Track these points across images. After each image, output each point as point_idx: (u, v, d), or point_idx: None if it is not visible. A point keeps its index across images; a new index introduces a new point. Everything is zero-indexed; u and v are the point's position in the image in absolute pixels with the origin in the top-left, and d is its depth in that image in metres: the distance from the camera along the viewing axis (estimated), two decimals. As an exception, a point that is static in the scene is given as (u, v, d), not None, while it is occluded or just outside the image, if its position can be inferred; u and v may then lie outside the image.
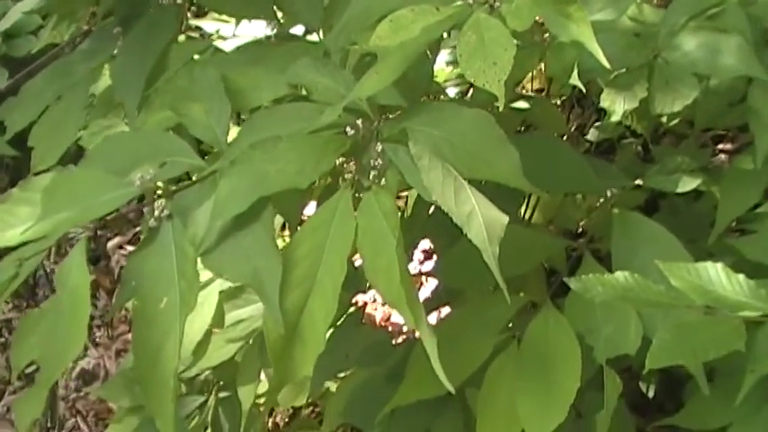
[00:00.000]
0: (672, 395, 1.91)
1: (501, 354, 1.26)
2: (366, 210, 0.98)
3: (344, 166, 1.03)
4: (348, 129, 1.04)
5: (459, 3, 1.07)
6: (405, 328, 2.47)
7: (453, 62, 2.07)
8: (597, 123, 2.07)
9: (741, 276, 0.97)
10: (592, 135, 2.07)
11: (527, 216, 1.83)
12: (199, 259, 1.01)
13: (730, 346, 0.95)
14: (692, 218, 1.73)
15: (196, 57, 1.39)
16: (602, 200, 1.80)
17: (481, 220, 0.93)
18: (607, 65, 0.93)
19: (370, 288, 2.20)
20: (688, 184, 1.34)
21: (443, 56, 1.98)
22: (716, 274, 0.97)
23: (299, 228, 1.01)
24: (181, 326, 0.99)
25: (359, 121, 1.05)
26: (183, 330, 0.99)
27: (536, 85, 2.08)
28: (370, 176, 1.01)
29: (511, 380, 1.22)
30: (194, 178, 1.08)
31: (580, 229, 2.01)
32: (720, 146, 2.10)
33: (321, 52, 1.25)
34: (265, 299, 0.96)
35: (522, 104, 1.64)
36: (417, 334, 1.97)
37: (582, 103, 2.12)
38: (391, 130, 1.05)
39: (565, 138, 1.90)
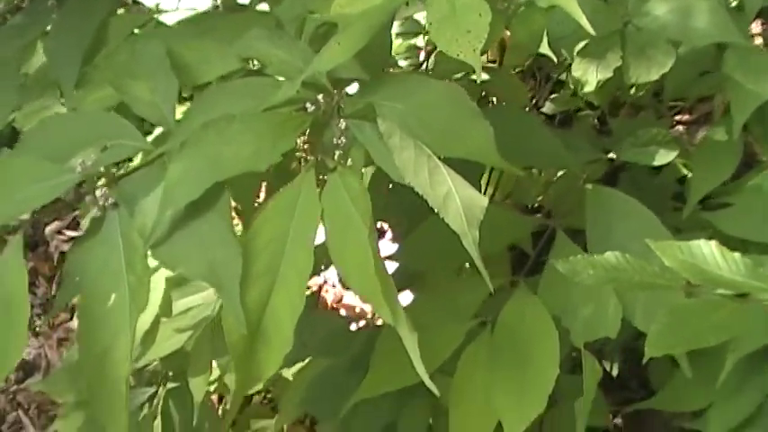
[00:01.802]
0: (635, 373, 1.87)
1: (473, 341, 1.19)
2: (332, 193, 0.90)
3: (306, 146, 0.95)
4: (308, 105, 0.96)
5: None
6: (359, 311, 2.40)
7: (403, 34, 1.99)
8: (553, 96, 2.00)
9: (737, 254, 0.91)
10: (547, 108, 2.00)
11: (488, 192, 1.76)
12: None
13: (730, 332, 0.88)
14: (654, 191, 1.67)
15: (136, 31, 1.29)
16: (559, 174, 1.74)
17: (459, 203, 0.85)
18: (590, 29, 0.86)
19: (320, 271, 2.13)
20: (664, 156, 1.27)
21: (393, 28, 1.90)
22: (710, 252, 0.91)
23: (256, 214, 0.92)
24: (132, 326, 0.90)
25: (320, 97, 0.96)
26: (134, 331, 0.90)
27: (489, 57, 2.01)
28: (335, 156, 0.93)
29: (485, 369, 1.15)
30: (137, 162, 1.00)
31: (536, 205, 1.96)
32: (678, 117, 2.05)
33: (273, 23, 1.16)
34: (224, 294, 0.87)
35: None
36: (380, 321, 1.92)
37: (536, 75, 2.05)
38: (355, 105, 0.97)
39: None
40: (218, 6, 1.21)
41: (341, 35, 0.94)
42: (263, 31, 1.07)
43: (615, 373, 1.79)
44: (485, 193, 1.72)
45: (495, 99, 1.77)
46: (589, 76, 1.20)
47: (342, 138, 0.96)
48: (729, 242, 1.27)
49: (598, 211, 1.19)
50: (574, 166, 1.24)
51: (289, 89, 0.95)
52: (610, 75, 1.18)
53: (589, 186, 1.22)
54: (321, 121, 0.97)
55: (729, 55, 1.24)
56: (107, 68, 1.11)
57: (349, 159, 0.94)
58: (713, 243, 0.92)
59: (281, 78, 1.03)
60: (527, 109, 1.82)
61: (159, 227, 0.90)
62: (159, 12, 1.51)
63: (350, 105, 0.98)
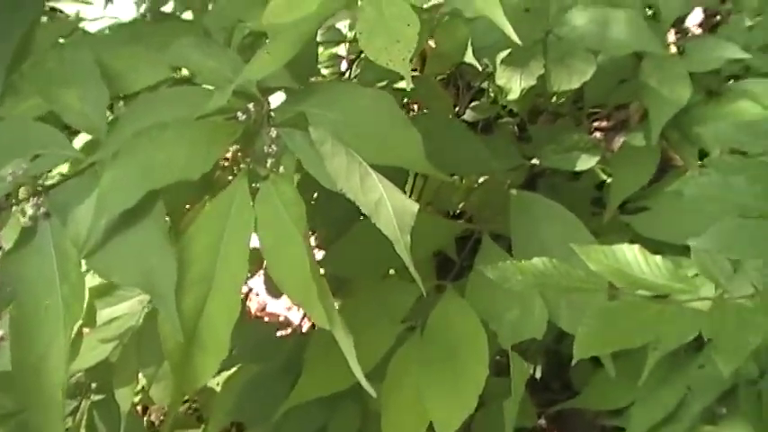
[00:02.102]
0: (557, 375, 1.91)
1: (403, 344, 1.21)
2: (265, 200, 0.91)
3: (239, 154, 0.96)
4: (239, 114, 0.97)
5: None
6: (282, 320, 2.41)
7: (325, 43, 2.01)
8: (473, 104, 2.03)
9: (658, 258, 0.94)
10: (468, 116, 2.03)
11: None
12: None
13: (654, 332, 0.92)
14: (572, 196, 1.71)
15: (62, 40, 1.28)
16: (480, 180, 1.77)
17: (390, 209, 0.87)
18: (516, 38, 0.89)
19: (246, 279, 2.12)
20: (586, 161, 1.31)
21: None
22: (633, 256, 0.94)
23: (189, 222, 0.93)
24: (66, 335, 0.90)
25: (250, 105, 0.98)
26: (69, 339, 0.90)
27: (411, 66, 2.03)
28: (267, 164, 0.94)
29: (416, 371, 1.17)
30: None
31: (458, 211, 1.98)
32: (596, 124, 2.09)
33: (200, 31, 1.17)
34: (160, 302, 0.88)
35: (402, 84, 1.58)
36: (305, 328, 1.92)
37: (458, 83, 2.08)
38: (285, 113, 0.99)
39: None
40: (145, 15, 1.20)
41: (271, 44, 0.95)
42: (193, 39, 1.07)
43: (538, 375, 1.82)
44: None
45: (416, 107, 1.78)
46: (513, 84, 1.23)
47: (273, 146, 0.97)
48: (646, 245, 1.33)
49: (523, 216, 1.22)
50: (498, 172, 1.27)
51: (220, 98, 0.96)
52: (533, 83, 1.21)
53: (513, 192, 1.25)
54: (252, 130, 0.98)
55: (646, 63, 1.28)
56: (35, 77, 1.11)
57: (281, 167, 0.95)
58: (636, 247, 0.95)
59: (211, 88, 1.03)
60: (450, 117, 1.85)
61: (93, 235, 0.90)
62: (80, 20, 1.50)
63: (280, 114, 0.99)
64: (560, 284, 0.93)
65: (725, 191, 0.98)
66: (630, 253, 0.95)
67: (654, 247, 1.32)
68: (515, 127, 2.05)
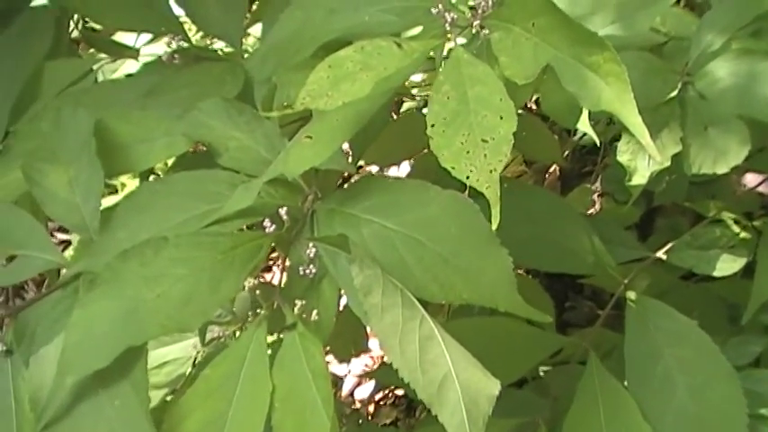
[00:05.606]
0: None
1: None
2: (287, 364, 0.65)
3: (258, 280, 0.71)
4: (267, 223, 0.72)
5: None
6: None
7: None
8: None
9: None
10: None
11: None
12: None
13: None
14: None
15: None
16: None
17: (459, 394, 0.61)
18: (657, 155, 0.61)
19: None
20: (728, 265, 1.00)
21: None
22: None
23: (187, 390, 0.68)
24: None
25: (282, 211, 0.72)
26: None
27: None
28: (296, 306, 0.68)
29: None
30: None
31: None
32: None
33: (242, 78, 0.91)
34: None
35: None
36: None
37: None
38: (330, 222, 0.73)
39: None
40: (174, 55, 0.94)
41: (315, 126, 0.70)
42: (218, 102, 0.82)
43: None
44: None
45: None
46: (639, 162, 0.93)
47: (311, 267, 0.72)
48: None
49: (641, 331, 0.93)
50: (612, 269, 0.98)
51: (242, 198, 0.72)
52: (667, 164, 0.90)
53: (632, 296, 0.96)
54: (286, 242, 0.74)
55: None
56: (26, 140, 0.86)
57: (314, 312, 0.69)
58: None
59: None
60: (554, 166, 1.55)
61: (55, 399, 0.66)
62: (96, 61, 1.19)
63: (324, 220, 0.74)
64: None
65: None
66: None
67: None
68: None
